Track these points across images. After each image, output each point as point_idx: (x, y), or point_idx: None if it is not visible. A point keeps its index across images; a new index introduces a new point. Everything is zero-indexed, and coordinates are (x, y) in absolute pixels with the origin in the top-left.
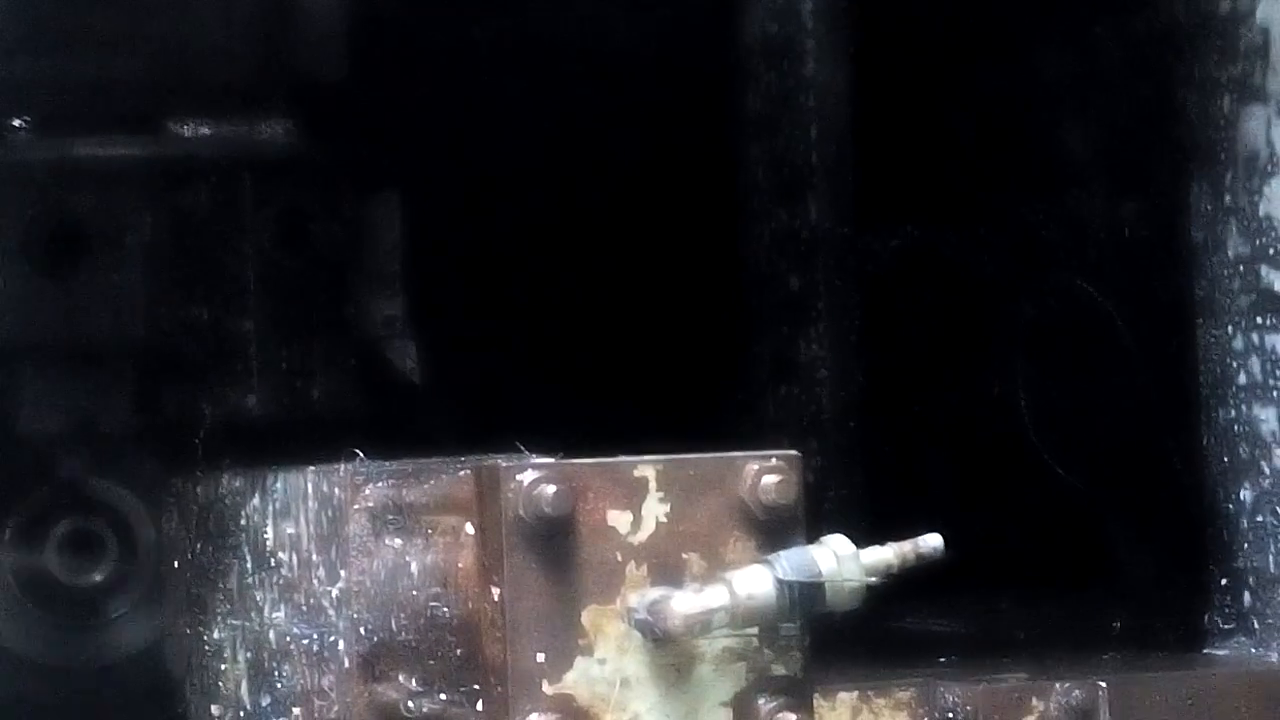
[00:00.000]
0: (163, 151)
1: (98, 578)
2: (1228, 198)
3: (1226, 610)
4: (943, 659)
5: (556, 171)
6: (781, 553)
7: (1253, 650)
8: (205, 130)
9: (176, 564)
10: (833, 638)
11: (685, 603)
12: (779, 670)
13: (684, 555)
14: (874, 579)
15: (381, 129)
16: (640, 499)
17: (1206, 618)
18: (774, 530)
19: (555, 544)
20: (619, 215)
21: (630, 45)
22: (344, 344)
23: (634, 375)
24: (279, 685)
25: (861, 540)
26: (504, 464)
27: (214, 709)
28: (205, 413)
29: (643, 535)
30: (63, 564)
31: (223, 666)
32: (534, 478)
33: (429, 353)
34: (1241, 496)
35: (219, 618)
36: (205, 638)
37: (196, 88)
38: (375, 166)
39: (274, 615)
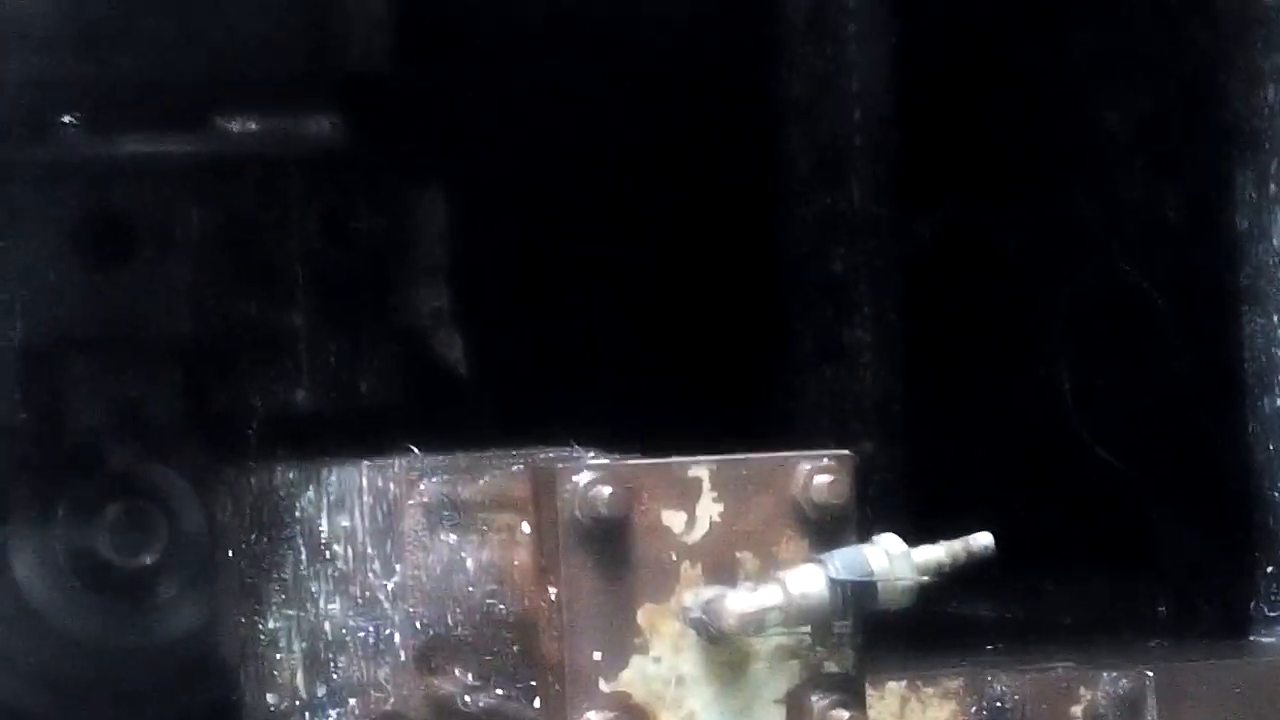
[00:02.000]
0: (210, 147)
1: (148, 559)
2: (1273, 187)
3: (1273, 598)
4: (990, 646)
5: (599, 159)
6: (834, 552)
7: None
8: (252, 125)
9: (230, 553)
10: (880, 624)
11: (740, 601)
12: (832, 668)
13: (738, 554)
14: (926, 578)
15: (427, 121)
16: (694, 499)
17: (1252, 605)
18: (826, 529)
19: (611, 544)
20: (661, 201)
21: (672, 29)
22: (391, 336)
23: (678, 360)
24: (335, 676)
25: (906, 527)
26: (560, 465)
27: (270, 697)
28: (255, 407)
29: (697, 535)
30: (113, 545)
31: (278, 656)
32: (590, 479)
33: (475, 344)
34: None
35: (274, 607)
36: (260, 627)
37: (243, 83)
38: (421, 159)
39: (329, 607)
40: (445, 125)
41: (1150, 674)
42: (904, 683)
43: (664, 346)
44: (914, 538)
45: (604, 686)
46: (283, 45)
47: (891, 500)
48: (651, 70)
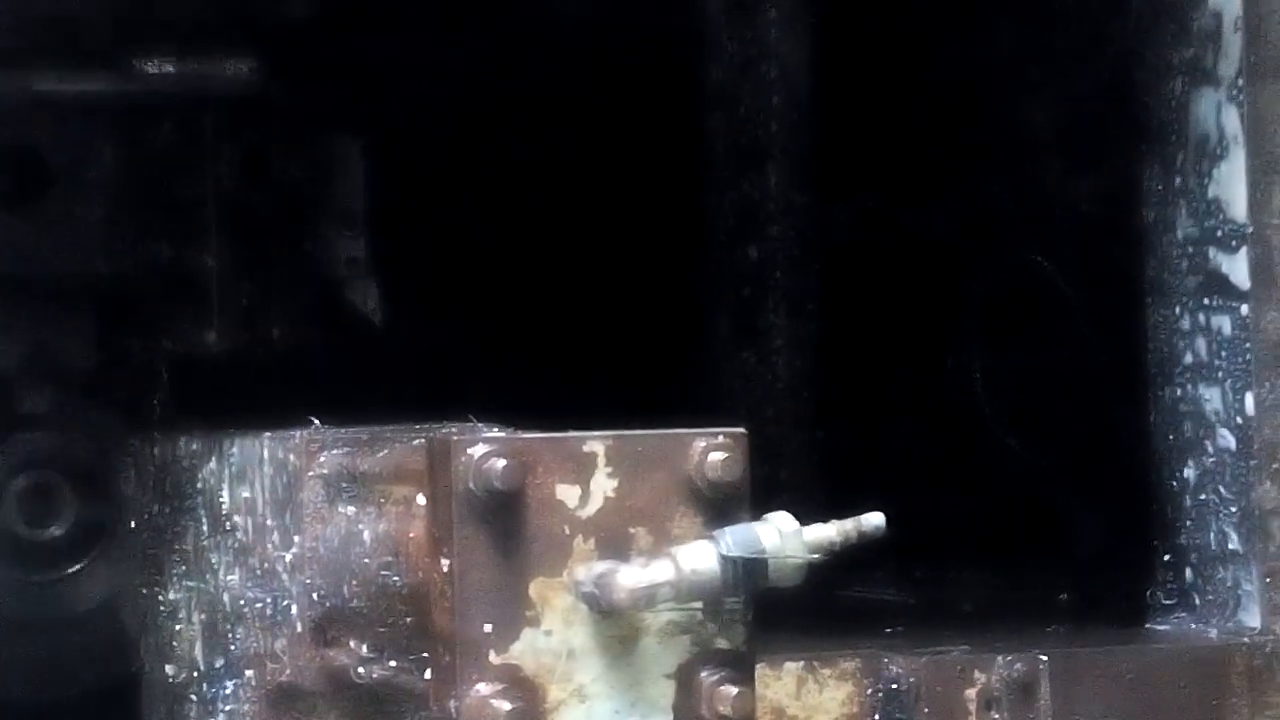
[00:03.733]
0: (126, 87)
1: (56, 532)
2: (1178, 179)
3: (1169, 586)
4: (889, 629)
5: (520, 131)
6: (726, 529)
7: (1193, 626)
8: (169, 67)
9: (134, 524)
10: (783, 605)
11: (631, 576)
12: (722, 644)
13: (631, 530)
14: (816, 556)
15: (346, 69)
16: (589, 474)
17: (1149, 593)
18: (720, 506)
19: (504, 517)
20: (581, 181)
21: (595, 13)
22: (305, 283)
23: (594, 341)
24: (233, 647)
25: (813, 509)
26: (455, 437)
27: (169, 668)
28: (165, 347)
29: (591, 510)
30: (21, 517)
31: (178, 627)
32: (484, 451)
33: (389, 294)
34: (1185, 475)
35: (175, 579)
36: (161, 598)
37: (161, 24)
38: (339, 107)
39: (229, 578)
40: (365, 75)
41: (1045, 659)
42: (801, 663)
43: (580, 326)
44: (823, 521)
45: (494, 658)
46: None
47: (803, 483)
48: (574, 52)
